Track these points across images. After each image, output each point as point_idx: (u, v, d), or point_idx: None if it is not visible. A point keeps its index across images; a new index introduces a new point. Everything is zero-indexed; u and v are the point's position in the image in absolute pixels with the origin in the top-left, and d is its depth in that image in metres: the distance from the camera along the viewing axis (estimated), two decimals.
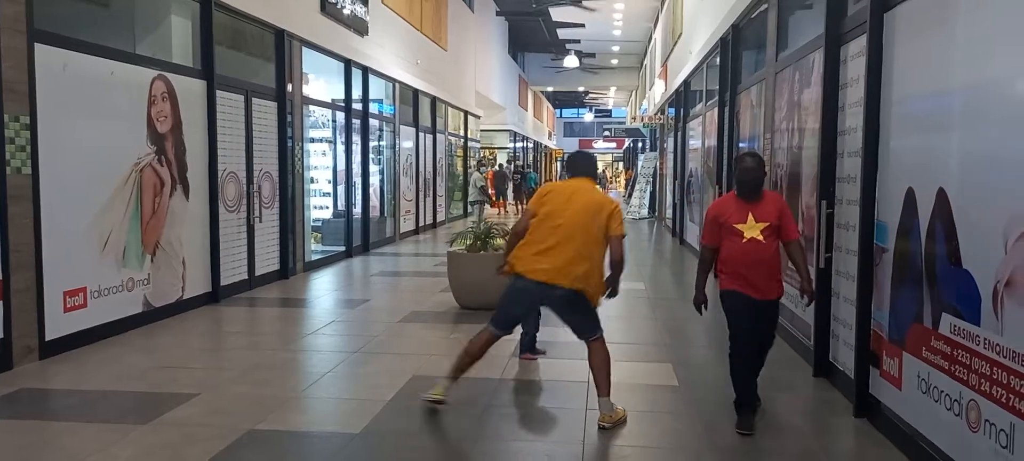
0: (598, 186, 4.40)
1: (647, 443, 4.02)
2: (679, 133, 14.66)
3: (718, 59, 9.84)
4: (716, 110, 9.96)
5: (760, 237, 4.02)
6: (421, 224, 16.15)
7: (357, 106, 12.06)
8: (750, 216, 4.05)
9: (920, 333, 3.60)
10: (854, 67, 4.72)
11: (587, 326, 4.18)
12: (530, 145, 38.17)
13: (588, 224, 4.01)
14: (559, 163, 50.82)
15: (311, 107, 10.48)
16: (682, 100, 14.15)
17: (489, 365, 5.31)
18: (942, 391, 3.37)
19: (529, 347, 5.40)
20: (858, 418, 4.27)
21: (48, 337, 5.42)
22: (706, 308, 4.30)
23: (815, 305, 5.18)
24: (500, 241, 7.67)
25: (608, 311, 6.32)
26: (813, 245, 5.22)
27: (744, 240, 4.02)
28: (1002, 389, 2.87)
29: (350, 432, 4.03)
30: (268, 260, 8.96)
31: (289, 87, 9.31)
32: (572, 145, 58.31)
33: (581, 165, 4.35)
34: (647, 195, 21.85)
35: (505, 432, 4.12)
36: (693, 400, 4.58)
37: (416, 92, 15.54)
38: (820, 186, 5.01)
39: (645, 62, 29.16)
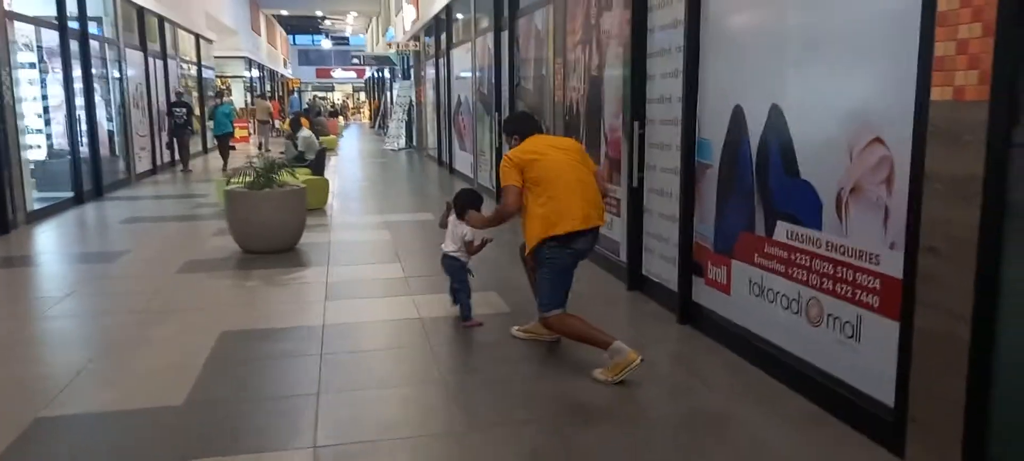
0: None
1: (513, 357, 3.93)
2: (441, 61, 14.48)
3: None
4: (491, 36, 9.92)
5: None
6: (159, 163, 14.36)
7: (73, 25, 10.18)
8: None
9: (751, 241, 3.88)
10: None
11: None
12: (267, 74, 35.60)
13: (586, 164, 4.01)
14: (296, 93, 47.97)
15: (16, 24, 8.60)
16: (444, 27, 13.94)
17: (305, 312, 4.86)
18: (778, 292, 3.68)
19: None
20: (682, 324, 4.57)
21: None
22: None
23: (628, 222, 5.43)
24: (285, 176, 7.02)
25: (428, 240, 5.96)
26: (622, 165, 5.44)
27: None
28: (847, 286, 3.18)
29: (172, 405, 3.41)
30: None
31: None
32: (309, 74, 55.61)
33: (529, 124, 4.20)
34: (403, 126, 21.48)
35: (346, 382, 3.76)
36: (527, 321, 4.56)
37: (141, 9, 13.56)
38: (632, 108, 5.18)
39: None
